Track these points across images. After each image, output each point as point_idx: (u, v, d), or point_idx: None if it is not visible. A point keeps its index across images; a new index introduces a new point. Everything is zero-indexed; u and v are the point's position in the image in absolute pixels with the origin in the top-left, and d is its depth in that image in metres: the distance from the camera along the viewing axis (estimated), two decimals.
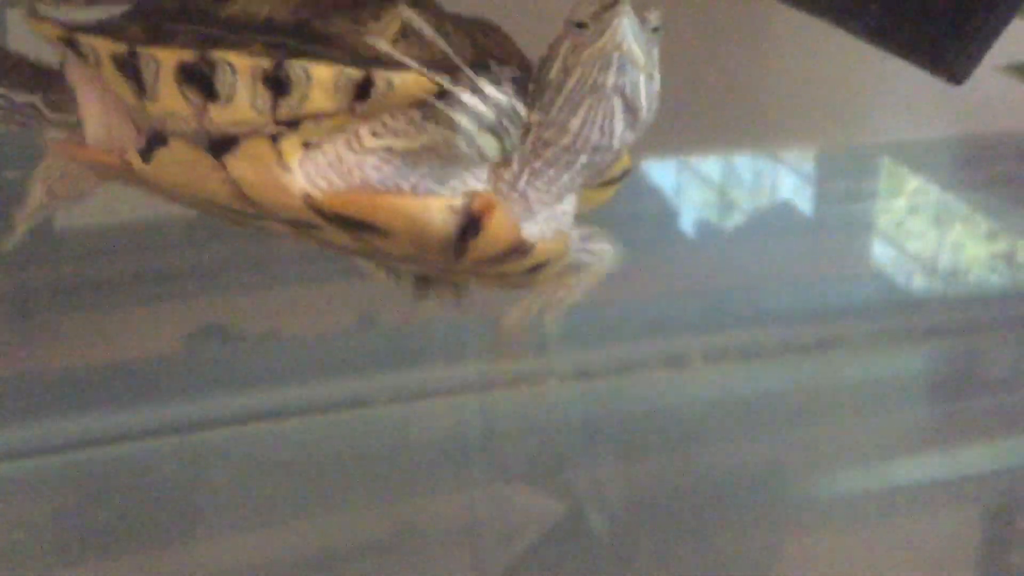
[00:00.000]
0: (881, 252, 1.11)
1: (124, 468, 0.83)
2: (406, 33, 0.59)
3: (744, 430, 0.92)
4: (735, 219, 1.11)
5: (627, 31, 0.56)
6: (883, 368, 1.01)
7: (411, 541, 0.81)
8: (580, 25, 0.57)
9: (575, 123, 0.58)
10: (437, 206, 0.59)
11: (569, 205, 0.62)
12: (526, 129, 0.59)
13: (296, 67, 0.57)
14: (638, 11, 0.56)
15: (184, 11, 0.63)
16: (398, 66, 0.56)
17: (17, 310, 0.85)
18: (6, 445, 0.82)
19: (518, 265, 0.63)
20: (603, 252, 0.67)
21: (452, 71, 0.57)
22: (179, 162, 0.61)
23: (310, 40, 0.60)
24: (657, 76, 0.58)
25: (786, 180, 1.16)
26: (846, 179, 1.18)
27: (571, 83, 0.58)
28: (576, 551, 0.82)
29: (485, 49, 0.62)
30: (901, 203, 1.17)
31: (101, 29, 0.63)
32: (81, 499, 0.80)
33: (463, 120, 0.56)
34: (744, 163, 1.14)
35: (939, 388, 1.02)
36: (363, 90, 0.57)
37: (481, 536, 0.84)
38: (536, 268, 0.63)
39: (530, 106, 0.59)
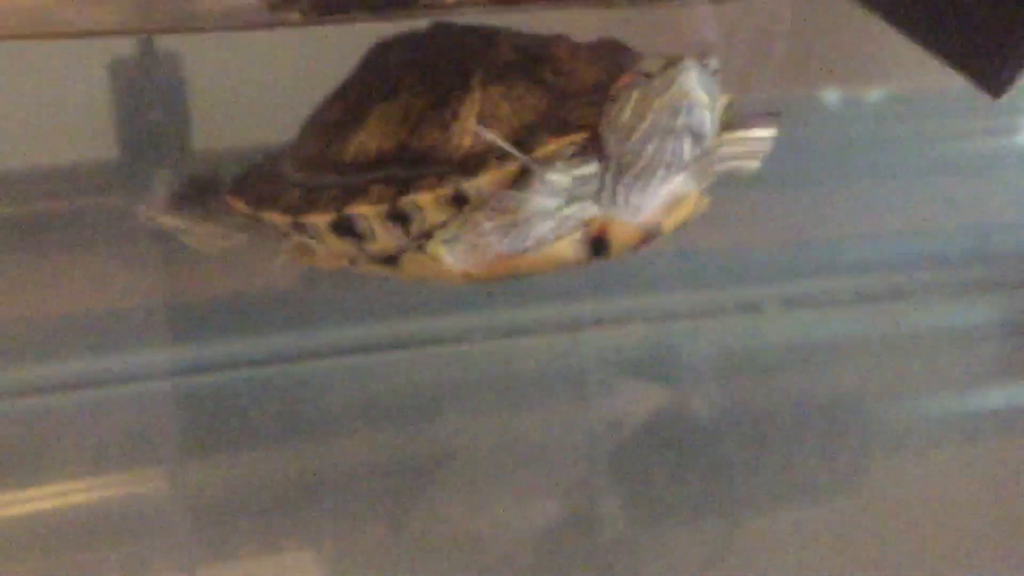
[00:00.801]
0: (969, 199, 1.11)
1: (251, 389, 0.93)
2: (483, 119, 0.69)
3: (822, 368, 0.99)
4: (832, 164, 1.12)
5: (693, 81, 0.63)
6: (956, 315, 1.06)
7: (526, 438, 0.90)
8: (648, 76, 0.64)
9: (649, 151, 0.66)
10: (563, 248, 0.69)
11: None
12: (607, 159, 0.67)
13: (406, 202, 0.68)
14: (698, 59, 0.63)
15: (321, 160, 0.76)
16: (482, 162, 0.67)
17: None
18: (157, 366, 0.94)
19: (658, 237, 0.72)
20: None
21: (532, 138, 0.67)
22: (376, 270, 0.74)
23: (412, 162, 0.70)
24: (716, 106, 0.65)
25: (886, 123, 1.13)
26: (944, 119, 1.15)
27: (645, 125, 0.65)
28: (676, 444, 0.89)
29: (563, 99, 0.70)
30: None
31: (273, 202, 0.76)
32: (224, 410, 0.92)
33: (539, 198, 0.66)
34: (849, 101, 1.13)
35: (1012, 331, 1.06)
36: (461, 197, 0.67)
37: (591, 428, 0.93)
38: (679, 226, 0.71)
39: (607, 139, 0.66)
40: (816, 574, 0.79)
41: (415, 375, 0.96)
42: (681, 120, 0.64)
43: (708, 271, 1.04)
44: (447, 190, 0.67)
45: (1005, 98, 0.76)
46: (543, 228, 0.68)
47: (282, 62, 0.96)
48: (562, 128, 0.67)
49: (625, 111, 0.65)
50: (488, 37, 0.76)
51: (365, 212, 0.70)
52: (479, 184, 0.67)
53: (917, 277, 1.06)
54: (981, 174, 1.10)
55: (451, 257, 0.68)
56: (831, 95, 1.08)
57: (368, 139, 0.73)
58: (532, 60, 0.73)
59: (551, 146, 0.66)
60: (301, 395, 0.93)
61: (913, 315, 1.05)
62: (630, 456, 0.89)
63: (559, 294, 1.00)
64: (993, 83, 0.76)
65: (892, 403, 0.98)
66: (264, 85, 0.96)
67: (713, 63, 0.64)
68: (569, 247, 0.69)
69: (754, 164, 0.75)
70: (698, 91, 0.63)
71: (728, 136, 0.72)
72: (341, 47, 0.93)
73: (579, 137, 0.67)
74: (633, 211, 0.69)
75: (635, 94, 0.65)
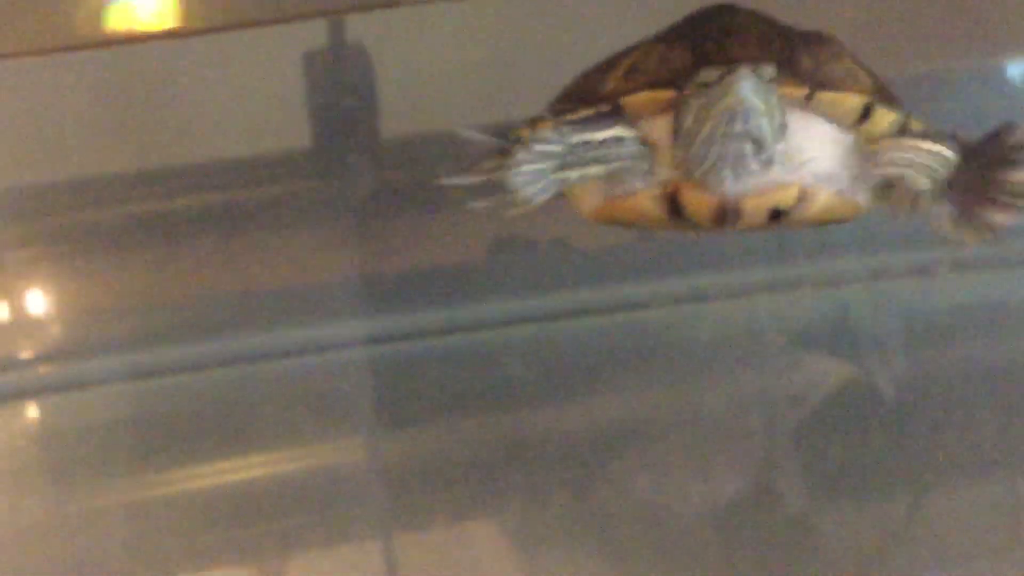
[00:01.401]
0: None
1: (439, 360, 0.99)
2: (629, 71, 0.76)
3: (997, 333, 1.00)
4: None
5: (747, 89, 0.67)
6: None
7: (705, 409, 0.93)
8: (707, 85, 0.69)
9: (712, 155, 0.70)
10: (644, 198, 0.74)
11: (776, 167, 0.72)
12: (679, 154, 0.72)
13: (537, 130, 0.75)
14: (754, 67, 0.67)
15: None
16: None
17: (354, 215, 1.01)
18: (352, 336, 1.00)
19: (752, 219, 0.74)
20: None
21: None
22: None
23: (579, 100, 0.78)
24: (779, 111, 0.69)
25: None
26: None
27: (705, 132, 0.69)
28: (856, 415, 0.91)
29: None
30: None
31: None
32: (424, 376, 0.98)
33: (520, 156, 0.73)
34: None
35: None
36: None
37: (772, 401, 0.95)
38: (776, 216, 0.74)
39: (677, 141, 0.72)
40: (1003, 551, 0.78)
41: (594, 343, 1.00)
42: (738, 126, 0.69)
43: (879, 235, 1.05)
44: (548, 124, 0.74)
45: None
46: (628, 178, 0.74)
47: (461, 51, 1.03)
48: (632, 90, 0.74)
49: (687, 119, 0.71)
50: (725, 12, 0.80)
51: (523, 134, 0.76)
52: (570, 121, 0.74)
53: None
54: None
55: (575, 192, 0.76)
56: (986, 62, 1.09)
57: (577, 81, 0.80)
58: (721, 33, 0.77)
59: (581, 112, 0.74)
60: (486, 365, 0.98)
61: None
62: (810, 428, 0.91)
63: (734, 259, 1.03)
64: None
65: None
66: (445, 73, 1.02)
67: (768, 72, 0.69)
68: (649, 202, 0.75)
69: (922, 181, 0.77)
70: (752, 98, 0.68)
71: (894, 142, 0.75)
72: (508, 34, 0.99)
73: (605, 107, 0.73)
74: (707, 185, 0.73)
75: (694, 103, 0.70)
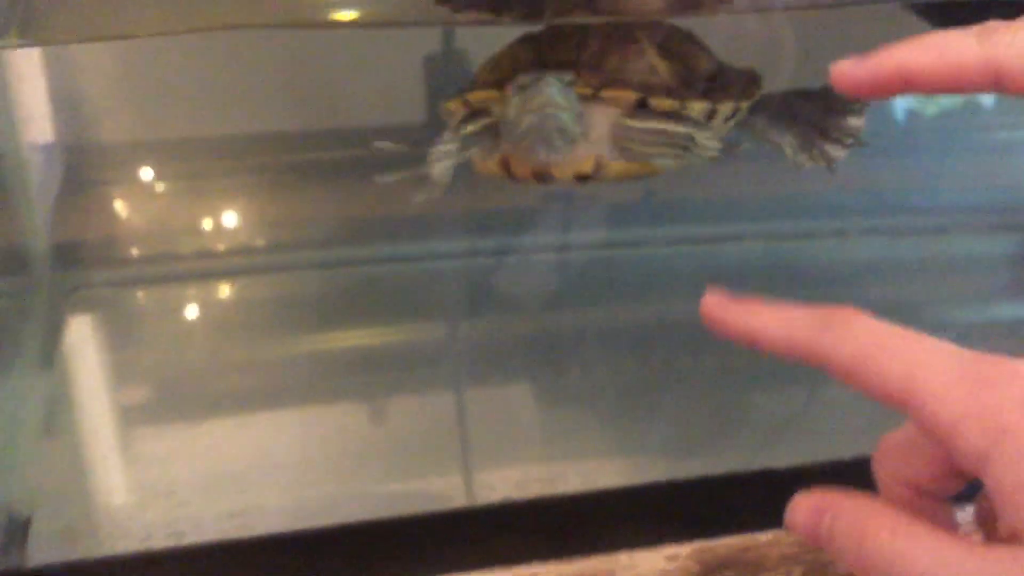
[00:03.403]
0: None
1: None
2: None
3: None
4: None
5: (552, 91, 0.78)
6: None
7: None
8: (523, 87, 0.79)
9: (529, 140, 0.81)
10: (492, 163, 0.87)
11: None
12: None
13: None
14: (558, 75, 0.79)
15: None
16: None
17: None
18: (444, 250, 1.26)
19: (564, 181, 0.85)
20: None
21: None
22: None
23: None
24: (577, 108, 0.79)
25: None
26: None
27: (525, 122, 0.80)
28: None
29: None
30: None
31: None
32: None
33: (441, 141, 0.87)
34: None
35: None
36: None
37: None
38: (582, 178, 0.84)
39: (503, 128, 0.83)
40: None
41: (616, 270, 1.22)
42: (548, 120, 0.78)
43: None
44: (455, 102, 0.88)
45: None
46: (464, 152, 0.87)
47: None
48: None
49: (510, 111, 0.81)
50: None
51: (451, 108, 0.90)
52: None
53: None
54: None
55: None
56: None
57: (479, 70, 0.92)
58: (555, 37, 0.87)
59: (450, 104, 0.88)
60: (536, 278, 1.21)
61: None
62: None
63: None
64: None
65: None
66: None
67: (567, 78, 0.79)
68: (495, 166, 0.86)
69: (661, 154, 0.85)
70: (556, 97, 0.77)
71: (638, 122, 0.84)
72: None
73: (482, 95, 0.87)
74: (526, 157, 0.83)
75: (515, 100, 0.80)
